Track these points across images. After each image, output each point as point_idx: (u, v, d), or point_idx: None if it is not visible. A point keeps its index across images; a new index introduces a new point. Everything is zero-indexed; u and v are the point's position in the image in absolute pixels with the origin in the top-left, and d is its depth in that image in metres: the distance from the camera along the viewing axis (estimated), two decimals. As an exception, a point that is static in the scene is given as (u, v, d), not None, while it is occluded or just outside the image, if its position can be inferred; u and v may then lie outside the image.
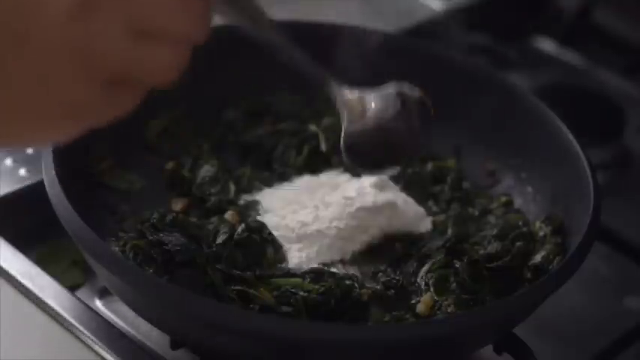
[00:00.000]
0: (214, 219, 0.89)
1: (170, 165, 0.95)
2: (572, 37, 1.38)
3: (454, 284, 0.85)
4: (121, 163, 0.92)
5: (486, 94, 0.99)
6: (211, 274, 0.83)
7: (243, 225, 0.88)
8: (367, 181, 0.94)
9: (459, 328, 0.75)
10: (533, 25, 1.41)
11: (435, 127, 1.01)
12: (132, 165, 0.94)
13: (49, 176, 0.81)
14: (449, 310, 0.83)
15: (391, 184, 0.95)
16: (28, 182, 0.97)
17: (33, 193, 0.95)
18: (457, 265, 0.86)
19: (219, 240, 0.87)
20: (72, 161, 0.85)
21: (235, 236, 0.87)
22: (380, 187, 0.93)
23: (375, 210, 0.91)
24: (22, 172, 0.98)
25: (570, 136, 0.92)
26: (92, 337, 0.83)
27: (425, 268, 0.88)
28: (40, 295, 0.86)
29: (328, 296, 0.82)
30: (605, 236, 1.03)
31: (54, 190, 0.79)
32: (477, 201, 0.96)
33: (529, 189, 0.95)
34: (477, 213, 0.95)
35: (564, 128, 0.93)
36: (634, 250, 1.06)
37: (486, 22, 1.37)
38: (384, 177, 0.94)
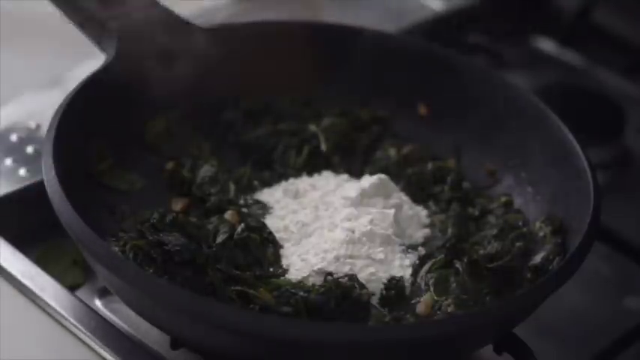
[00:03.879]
0: (214, 219, 0.89)
1: (170, 165, 0.95)
2: (572, 37, 1.38)
3: (454, 284, 0.85)
4: (121, 163, 0.92)
5: (486, 94, 0.99)
6: (211, 275, 0.83)
7: (242, 225, 0.88)
8: (367, 181, 0.93)
9: (459, 328, 0.75)
10: (533, 25, 1.41)
11: (435, 127, 1.02)
12: (132, 165, 0.93)
13: (48, 176, 0.81)
14: (449, 310, 0.83)
15: (392, 184, 0.95)
16: (28, 182, 0.97)
17: (33, 193, 0.95)
18: (457, 265, 0.86)
19: (219, 240, 0.87)
20: (72, 162, 0.85)
21: (235, 236, 0.87)
22: (381, 188, 0.93)
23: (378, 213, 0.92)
24: (22, 172, 0.98)
25: (570, 136, 0.92)
26: (92, 337, 0.83)
27: (425, 268, 0.88)
28: (40, 295, 0.86)
29: (328, 296, 0.82)
30: (605, 236, 1.03)
31: (54, 190, 0.79)
32: (476, 201, 0.96)
33: (529, 189, 0.95)
34: (477, 213, 0.95)
35: (564, 128, 0.93)
36: (634, 250, 1.06)
37: (486, 22, 1.36)
38: (383, 176, 0.94)
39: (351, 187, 0.94)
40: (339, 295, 0.83)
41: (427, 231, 0.93)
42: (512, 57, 1.33)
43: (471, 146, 1.00)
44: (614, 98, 1.26)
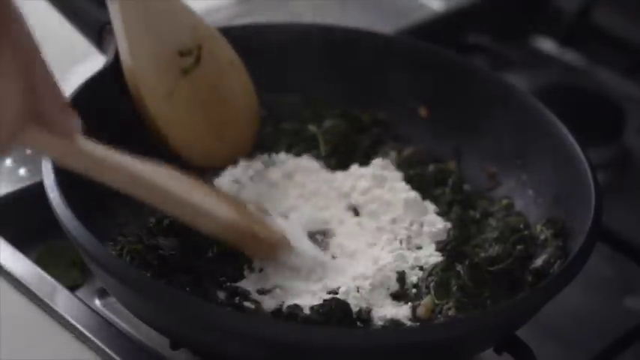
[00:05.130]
0: None
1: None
2: (572, 37, 1.38)
3: (455, 287, 0.85)
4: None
5: (486, 96, 0.99)
6: (206, 282, 0.83)
7: None
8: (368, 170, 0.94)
9: (461, 332, 0.75)
10: (533, 25, 1.41)
11: (435, 129, 1.02)
12: None
13: (49, 180, 0.80)
14: (449, 314, 0.83)
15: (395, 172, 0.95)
16: (28, 182, 0.97)
17: (33, 193, 0.94)
18: (458, 269, 0.86)
19: (214, 250, 0.85)
20: None
21: (228, 251, 0.85)
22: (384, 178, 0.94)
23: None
24: (22, 172, 0.98)
25: (571, 138, 0.92)
26: (92, 337, 0.83)
27: (426, 271, 0.87)
28: (40, 295, 0.86)
29: (329, 316, 0.81)
30: (606, 236, 1.03)
31: (54, 195, 0.79)
32: (478, 203, 0.96)
33: (530, 192, 0.95)
34: (478, 216, 0.95)
35: (564, 130, 0.93)
36: (634, 250, 1.06)
37: (486, 22, 1.36)
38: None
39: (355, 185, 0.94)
40: (340, 314, 0.82)
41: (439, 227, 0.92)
42: (512, 57, 1.33)
43: (472, 149, 1.00)
44: (614, 98, 1.26)
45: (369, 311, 0.83)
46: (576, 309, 0.97)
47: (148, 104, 0.90)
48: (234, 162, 0.96)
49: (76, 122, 0.71)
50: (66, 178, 0.80)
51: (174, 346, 0.82)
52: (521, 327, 0.81)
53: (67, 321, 0.84)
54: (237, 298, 0.82)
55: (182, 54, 0.92)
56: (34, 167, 0.98)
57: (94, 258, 0.76)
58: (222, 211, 0.80)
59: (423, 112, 1.03)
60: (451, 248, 0.89)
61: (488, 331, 0.78)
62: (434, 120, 1.02)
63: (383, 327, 0.82)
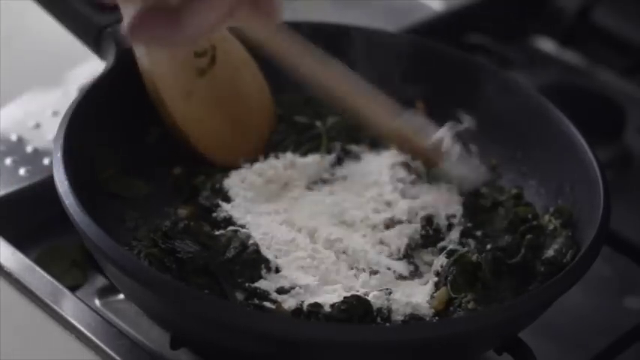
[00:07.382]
0: (229, 231, 0.87)
1: (177, 170, 0.95)
2: (572, 37, 1.38)
3: (474, 280, 0.84)
4: (125, 170, 0.92)
5: (485, 88, 0.99)
6: (224, 284, 0.83)
7: (254, 245, 0.86)
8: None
9: (466, 330, 0.75)
10: (533, 25, 1.41)
11: (435, 122, 1.02)
12: (135, 171, 0.92)
13: (63, 188, 0.79)
14: (469, 307, 0.82)
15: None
16: (28, 182, 0.97)
17: (33, 193, 0.95)
18: (478, 260, 0.85)
19: (229, 255, 0.85)
20: (80, 172, 0.83)
21: (245, 255, 0.85)
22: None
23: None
24: (22, 172, 0.98)
25: (572, 127, 0.92)
26: (92, 337, 0.83)
27: (440, 260, 0.87)
28: (40, 295, 0.86)
29: (350, 314, 0.81)
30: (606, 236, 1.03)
31: (71, 204, 0.78)
32: (487, 192, 0.96)
33: (532, 182, 0.95)
34: (488, 204, 0.94)
35: (565, 119, 0.93)
36: (634, 250, 1.06)
37: (486, 22, 1.37)
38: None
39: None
40: (362, 312, 0.81)
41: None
42: (512, 57, 1.33)
43: (471, 141, 1.00)
44: (614, 98, 1.26)
45: (389, 308, 0.83)
46: (576, 309, 0.97)
47: (168, 105, 0.92)
48: (252, 159, 0.96)
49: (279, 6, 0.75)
50: (77, 185, 0.80)
51: (174, 345, 0.82)
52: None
53: (67, 321, 0.85)
54: (257, 298, 0.82)
55: (197, 55, 0.93)
56: (34, 167, 0.98)
57: (119, 265, 0.75)
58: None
59: (419, 105, 1.02)
60: (463, 237, 0.89)
61: (496, 329, 0.78)
62: (431, 114, 1.02)
63: (402, 322, 0.82)
